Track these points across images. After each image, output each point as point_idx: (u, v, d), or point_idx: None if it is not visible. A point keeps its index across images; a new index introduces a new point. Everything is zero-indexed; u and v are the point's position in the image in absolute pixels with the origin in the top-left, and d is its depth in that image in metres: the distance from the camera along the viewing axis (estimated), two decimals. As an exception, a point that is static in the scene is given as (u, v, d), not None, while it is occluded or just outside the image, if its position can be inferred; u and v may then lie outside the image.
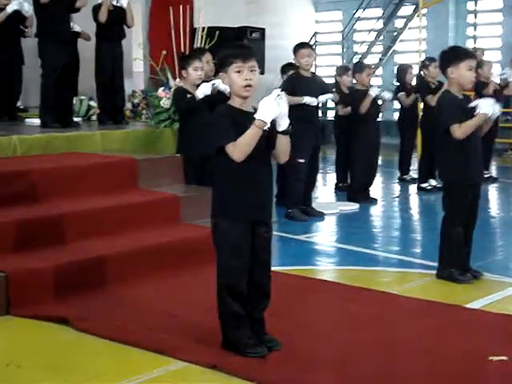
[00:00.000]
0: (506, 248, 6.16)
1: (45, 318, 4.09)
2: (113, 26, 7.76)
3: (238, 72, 3.44)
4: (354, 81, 8.71)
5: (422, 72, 9.14)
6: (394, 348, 3.71)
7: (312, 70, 7.38)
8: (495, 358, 3.53)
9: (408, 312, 4.31)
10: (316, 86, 7.26)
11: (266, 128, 3.36)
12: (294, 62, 7.25)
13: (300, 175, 7.13)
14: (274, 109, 3.32)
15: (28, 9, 7.80)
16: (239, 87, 3.45)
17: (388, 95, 8.40)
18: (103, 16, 7.56)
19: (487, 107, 4.67)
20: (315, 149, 7.27)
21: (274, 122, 3.40)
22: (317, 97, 7.19)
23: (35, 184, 5.22)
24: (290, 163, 6.99)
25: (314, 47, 8.07)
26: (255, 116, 3.33)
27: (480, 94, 9.20)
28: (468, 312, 4.32)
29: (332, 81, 10.07)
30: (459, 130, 4.70)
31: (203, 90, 6.23)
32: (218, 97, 5.99)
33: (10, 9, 7.80)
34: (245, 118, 3.43)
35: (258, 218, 3.53)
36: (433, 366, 3.50)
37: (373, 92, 8.07)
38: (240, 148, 3.36)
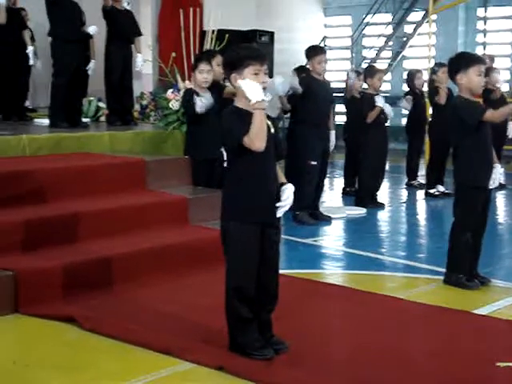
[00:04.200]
0: (513, 255, 6.15)
1: (52, 317, 4.10)
2: (123, 28, 7.78)
3: (256, 74, 3.44)
4: (365, 85, 8.71)
5: (432, 77, 9.14)
6: (401, 353, 3.71)
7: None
8: (502, 364, 3.52)
9: (415, 317, 4.30)
10: (328, 91, 7.30)
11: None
12: (307, 65, 7.24)
13: (311, 178, 7.12)
14: (257, 86, 3.34)
15: None
16: None
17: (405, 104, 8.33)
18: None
19: None
20: (325, 153, 7.27)
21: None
22: (327, 101, 7.22)
23: (44, 184, 5.24)
24: (302, 166, 7.08)
25: (324, 52, 8.09)
26: (251, 100, 3.32)
27: (487, 101, 9.19)
28: (475, 318, 4.30)
29: (342, 85, 10.07)
30: (495, 114, 4.72)
31: (203, 104, 6.25)
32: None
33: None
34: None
35: (268, 220, 3.53)
36: (440, 371, 3.49)
37: (380, 103, 8.04)
38: (255, 135, 3.34)
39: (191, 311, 4.22)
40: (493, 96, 9.15)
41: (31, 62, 8.46)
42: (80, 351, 3.71)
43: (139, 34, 8.10)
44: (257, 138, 3.35)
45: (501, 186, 9.64)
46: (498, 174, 4.84)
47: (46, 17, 7.31)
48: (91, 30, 7.49)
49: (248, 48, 3.66)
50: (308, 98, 7.05)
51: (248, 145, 3.36)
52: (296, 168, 7.07)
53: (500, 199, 9.10)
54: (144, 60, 9.43)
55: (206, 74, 6.38)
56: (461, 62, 4.84)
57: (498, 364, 3.53)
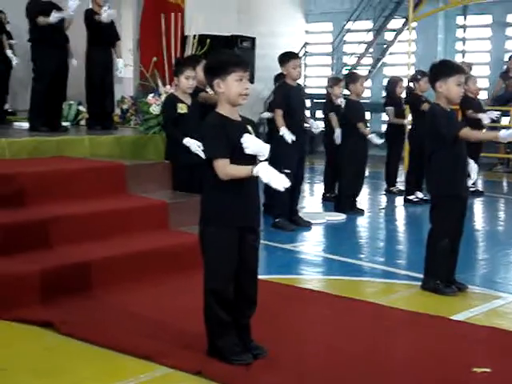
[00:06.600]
0: (490, 261, 6.19)
1: (30, 322, 4.08)
2: (103, 32, 7.76)
3: (240, 80, 3.46)
4: (346, 91, 8.74)
5: (411, 84, 9.20)
6: (379, 358, 3.73)
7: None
8: (479, 370, 3.55)
9: (393, 323, 4.33)
10: (302, 96, 7.32)
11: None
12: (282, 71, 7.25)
13: None
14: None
15: None
16: (237, 95, 3.47)
17: (377, 141, 8.41)
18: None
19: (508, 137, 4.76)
20: (301, 159, 7.26)
21: None
22: (302, 107, 7.24)
23: (23, 188, 5.21)
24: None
25: (304, 58, 8.10)
26: (253, 169, 3.33)
27: (463, 110, 9.20)
28: (452, 324, 4.34)
29: (323, 91, 10.11)
30: (470, 135, 4.78)
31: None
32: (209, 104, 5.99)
33: None
34: (234, 127, 3.47)
35: (246, 225, 3.54)
36: (417, 376, 3.51)
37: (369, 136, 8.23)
38: (229, 174, 3.39)
39: (171, 316, 4.22)
40: (471, 105, 9.19)
41: (14, 62, 8.48)
42: (58, 356, 3.69)
43: (118, 38, 8.07)
44: (227, 175, 3.39)
45: (479, 193, 9.74)
46: (473, 170, 4.90)
47: (25, 19, 7.27)
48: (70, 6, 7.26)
49: (231, 54, 3.70)
50: (285, 106, 7.06)
51: (217, 167, 3.39)
52: None
53: (478, 206, 9.18)
54: (125, 64, 9.42)
55: (191, 79, 6.36)
56: (442, 70, 4.87)
57: (475, 369, 3.56)
